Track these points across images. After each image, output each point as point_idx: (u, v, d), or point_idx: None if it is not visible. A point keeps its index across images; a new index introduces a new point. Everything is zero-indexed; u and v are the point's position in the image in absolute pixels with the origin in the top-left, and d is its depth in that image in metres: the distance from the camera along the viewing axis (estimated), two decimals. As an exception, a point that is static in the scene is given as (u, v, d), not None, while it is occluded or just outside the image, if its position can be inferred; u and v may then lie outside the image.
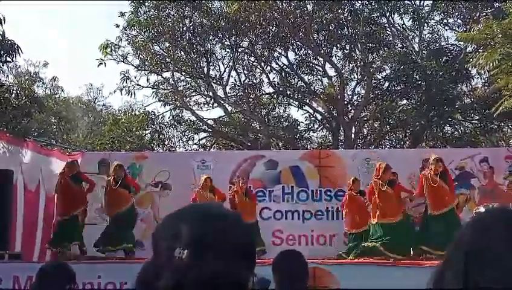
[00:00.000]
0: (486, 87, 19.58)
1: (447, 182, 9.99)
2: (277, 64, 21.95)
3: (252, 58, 21.62)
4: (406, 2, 20.81)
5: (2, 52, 12.50)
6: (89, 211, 11.37)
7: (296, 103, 22.26)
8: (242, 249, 1.19)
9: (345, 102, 21.31)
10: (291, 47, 21.26)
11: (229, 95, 21.83)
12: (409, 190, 10.97)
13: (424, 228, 10.21)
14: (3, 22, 12.27)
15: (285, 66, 21.90)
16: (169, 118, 21.78)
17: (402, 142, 21.83)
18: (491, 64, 12.34)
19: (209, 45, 20.69)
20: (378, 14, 20.57)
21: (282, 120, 22.75)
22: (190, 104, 21.83)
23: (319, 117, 22.39)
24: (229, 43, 20.91)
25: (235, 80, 21.99)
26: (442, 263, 1.08)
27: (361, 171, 12.25)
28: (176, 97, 21.39)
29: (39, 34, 47.18)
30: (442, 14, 21.08)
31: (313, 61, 21.86)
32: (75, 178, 11.01)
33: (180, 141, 22.56)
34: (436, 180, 9.86)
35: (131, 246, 10.70)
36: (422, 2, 21.15)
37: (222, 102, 21.53)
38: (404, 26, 21.47)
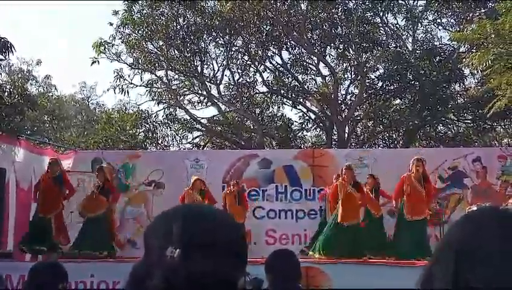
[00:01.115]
0: (479, 87, 19.62)
1: (425, 187, 10.03)
2: (271, 63, 21.97)
3: (246, 57, 21.60)
4: (400, 1, 20.85)
5: (-5, 50, 12.46)
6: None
7: (290, 102, 22.26)
8: (232, 249, 1.18)
9: (339, 101, 21.33)
10: (285, 46, 21.27)
11: (223, 94, 21.82)
12: (388, 195, 11.02)
13: (396, 232, 10.27)
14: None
15: (279, 65, 21.91)
16: (162, 116, 21.78)
17: (395, 142, 21.87)
18: (484, 64, 12.36)
19: (203, 43, 20.66)
20: (371, 13, 20.59)
21: (276, 119, 22.76)
22: (184, 103, 21.81)
23: (313, 116, 22.42)
24: (222, 42, 20.90)
25: (228, 78, 22.02)
26: (432, 262, 1.08)
27: (355, 170, 12.25)
28: (170, 96, 21.37)
29: (38, 34, 47.14)
30: (435, 14, 21.13)
31: (307, 61, 21.87)
32: (57, 180, 10.87)
33: (174, 140, 22.55)
34: (417, 186, 9.91)
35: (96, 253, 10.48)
36: (415, 1, 21.21)
37: (216, 101, 21.52)
38: (397, 25, 21.53)
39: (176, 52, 20.63)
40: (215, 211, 1.29)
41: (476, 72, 18.60)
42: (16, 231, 11.32)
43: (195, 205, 1.33)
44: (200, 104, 22.21)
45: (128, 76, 20.88)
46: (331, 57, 21.63)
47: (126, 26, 20.21)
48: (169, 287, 1.11)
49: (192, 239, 1.13)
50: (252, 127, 22.14)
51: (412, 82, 19.89)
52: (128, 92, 20.94)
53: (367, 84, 20.88)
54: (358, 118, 21.82)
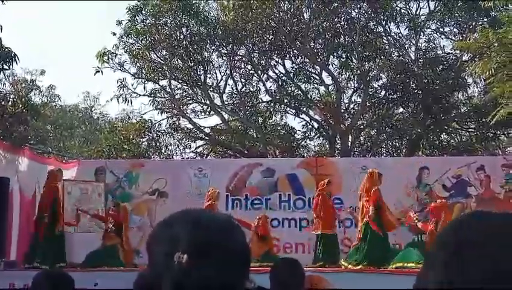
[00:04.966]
0: (482, 96, 19.63)
1: None
2: (274, 72, 21.98)
3: (249, 67, 21.63)
4: (402, 10, 20.87)
5: (-1, 59, 12.53)
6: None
7: (293, 111, 22.27)
8: (237, 255, 1.19)
9: (342, 110, 21.33)
10: (288, 55, 21.28)
11: (226, 103, 21.84)
12: None
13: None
14: (0, 29, 12.32)
15: (282, 75, 21.93)
16: (166, 126, 21.80)
17: (399, 151, 21.84)
18: (487, 73, 12.37)
19: (206, 53, 20.71)
20: (374, 22, 20.62)
21: (279, 128, 22.76)
22: (187, 112, 21.84)
23: (316, 125, 22.39)
24: (226, 52, 20.94)
25: (232, 88, 22.03)
26: (425, 264, 1.08)
27: (358, 179, 12.25)
28: (173, 105, 21.40)
29: (42, 44, 47.31)
30: (438, 23, 21.14)
31: (310, 70, 21.89)
32: None
33: (177, 149, 22.56)
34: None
35: None
36: (418, 10, 21.23)
37: (219, 110, 21.55)
38: (400, 34, 21.51)
39: (179, 61, 20.67)
40: (216, 215, 1.29)
41: (479, 80, 18.65)
42: (20, 240, 11.33)
43: (197, 209, 1.31)
44: (203, 113, 22.25)
45: (132, 85, 20.97)
46: (334, 66, 21.64)
47: (129, 36, 20.28)
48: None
49: (199, 244, 1.14)
50: (255, 136, 22.15)
51: (415, 91, 19.89)
52: (131, 102, 21.02)
53: (370, 93, 20.87)
54: (362, 126, 21.80)
